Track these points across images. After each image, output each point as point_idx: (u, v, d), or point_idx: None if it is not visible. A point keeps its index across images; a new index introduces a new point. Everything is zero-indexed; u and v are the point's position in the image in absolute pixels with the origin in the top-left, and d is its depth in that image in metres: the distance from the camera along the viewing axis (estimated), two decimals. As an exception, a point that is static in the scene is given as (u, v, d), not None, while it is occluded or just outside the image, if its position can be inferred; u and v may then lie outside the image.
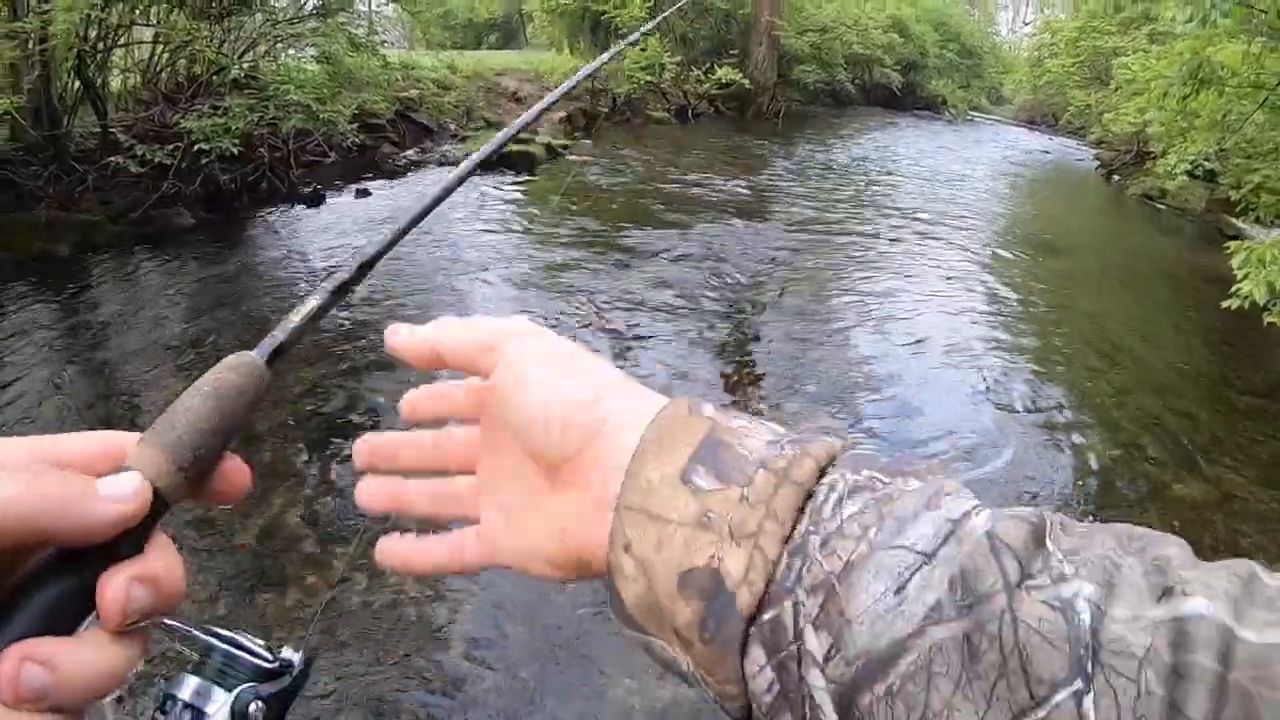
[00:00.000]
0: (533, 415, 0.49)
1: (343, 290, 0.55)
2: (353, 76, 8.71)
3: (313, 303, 0.53)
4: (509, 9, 28.21)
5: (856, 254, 8.63)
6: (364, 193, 8.96)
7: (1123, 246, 11.54)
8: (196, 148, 7.36)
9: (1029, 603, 0.36)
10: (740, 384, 5.54)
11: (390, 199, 8.94)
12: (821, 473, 0.42)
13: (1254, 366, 7.09)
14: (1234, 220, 12.72)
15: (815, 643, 0.38)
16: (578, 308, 6.31)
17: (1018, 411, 5.49)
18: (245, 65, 8.30)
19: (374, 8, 12.88)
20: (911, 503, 0.40)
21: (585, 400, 0.49)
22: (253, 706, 0.62)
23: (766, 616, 0.40)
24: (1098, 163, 21.01)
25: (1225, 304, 6.10)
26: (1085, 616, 0.35)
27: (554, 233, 8.23)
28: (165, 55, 8.47)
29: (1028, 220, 12.79)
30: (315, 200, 8.45)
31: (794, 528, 0.40)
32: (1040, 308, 7.79)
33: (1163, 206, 15.25)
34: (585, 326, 5.93)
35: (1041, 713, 0.34)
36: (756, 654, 0.40)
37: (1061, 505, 4.38)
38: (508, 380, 0.51)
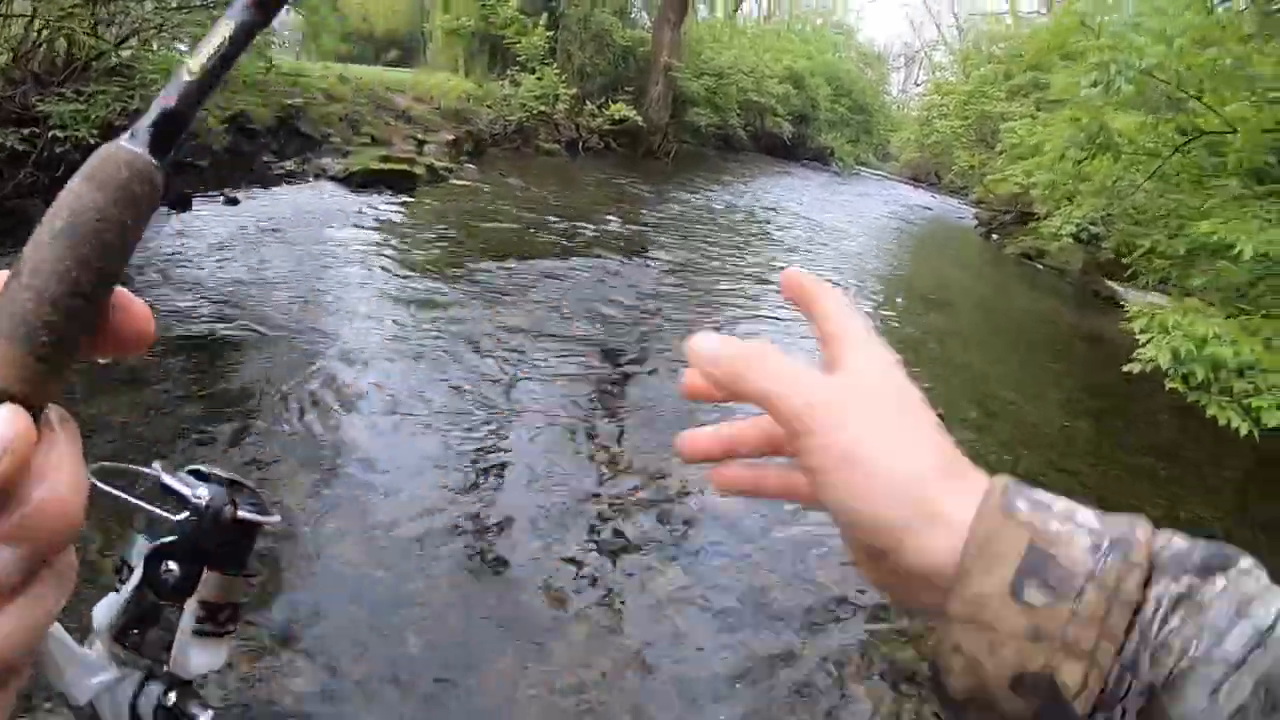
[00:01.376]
0: (855, 510, 0.49)
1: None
2: (229, 76, 8.35)
3: (221, 34, 0.39)
4: (411, 26, 27.82)
5: (736, 299, 8.66)
6: (233, 200, 8.64)
7: (1003, 304, 11.97)
8: (52, 134, 6.94)
9: None
10: (612, 425, 5.32)
11: (259, 209, 8.64)
12: (1145, 581, 0.43)
13: (1136, 425, 7.35)
14: (1110, 282, 13.24)
15: None
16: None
17: None
18: (124, 53, 7.93)
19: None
20: (1224, 613, 0.41)
21: (910, 489, 0.48)
22: (165, 565, 0.63)
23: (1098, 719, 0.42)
24: (977, 221, 21.74)
25: (1127, 368, 5.99)
26: None
27: (430, 258, 8.04)
28: (44, 33, 8.03)
29: (909, 274, 13.17)
30: (182, 204, 8.12)
31: (1124, 644, 0.42)
32: (923, 363, 7.89)
33: (1041, 266, 15.87)
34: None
35: None
36: None
37: None
38: (827, 465, 0.49)
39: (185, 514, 0.65)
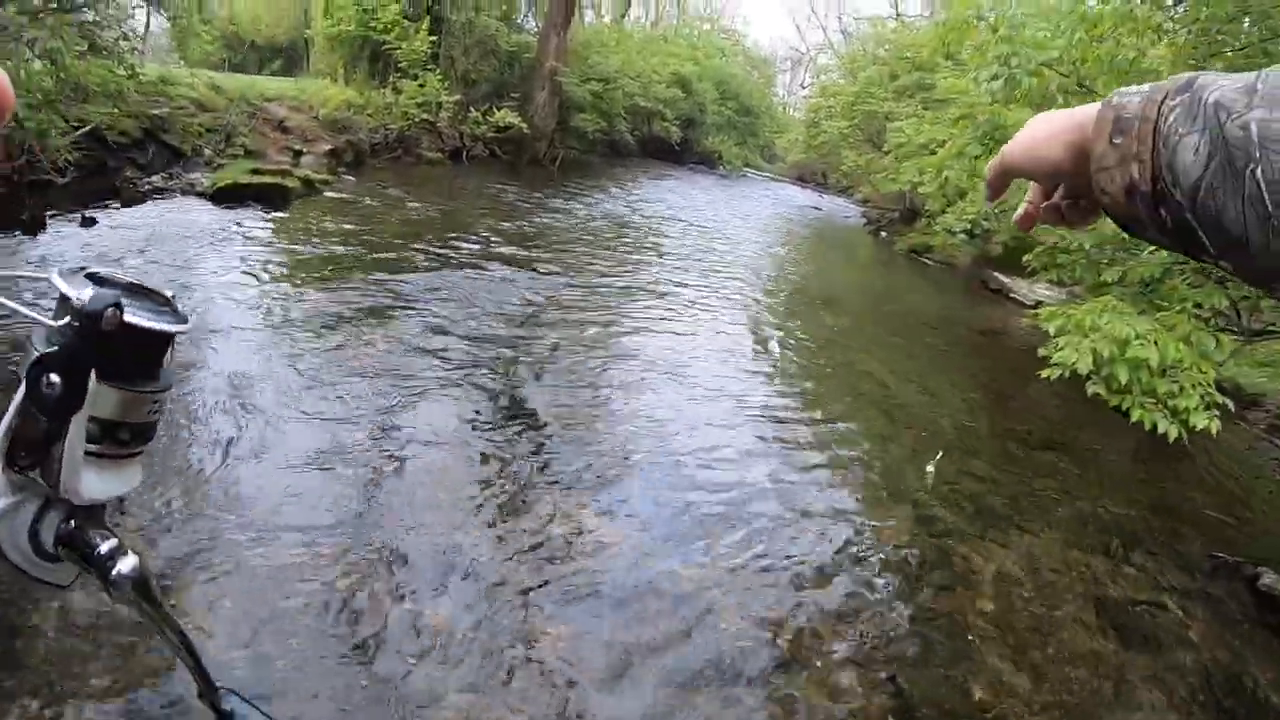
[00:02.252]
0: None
1: None
2: (79, 83, 7.83)
3: None
4: (294, 34, 27.21)
5: (626, 307, 8.61)
6: (90, 221, 8.22)
7: (896, 300, 12.20)
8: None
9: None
10: (506, 439, 5.15)
11: (117, 230, 8.27)
12: (1161, 104, 0.68)
13: (1034, 418, 7.53)
14: (998, 275, 13.68)
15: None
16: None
17: (802, 483, 5.28)
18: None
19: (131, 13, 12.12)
20: (1192, 104, 0.66)
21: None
22: (46, 378, 0.60)
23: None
24: (866, 220, 22.19)
25: (1045, 374, 5.71)
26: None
27: (302, 277, 7.78)
28: None
29: (801, 274, 13.33)
30: (34, 226, 7.73)
31: (1155, 146, 0.67)
32: (820, 365, 7.93)
33: (929, 262, 16.30)
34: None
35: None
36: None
37: (860, 589, 4.29)
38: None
39: (66, 319, 0.61)
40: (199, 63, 20.49)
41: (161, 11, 11.34)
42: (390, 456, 4.69)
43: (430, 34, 18.35)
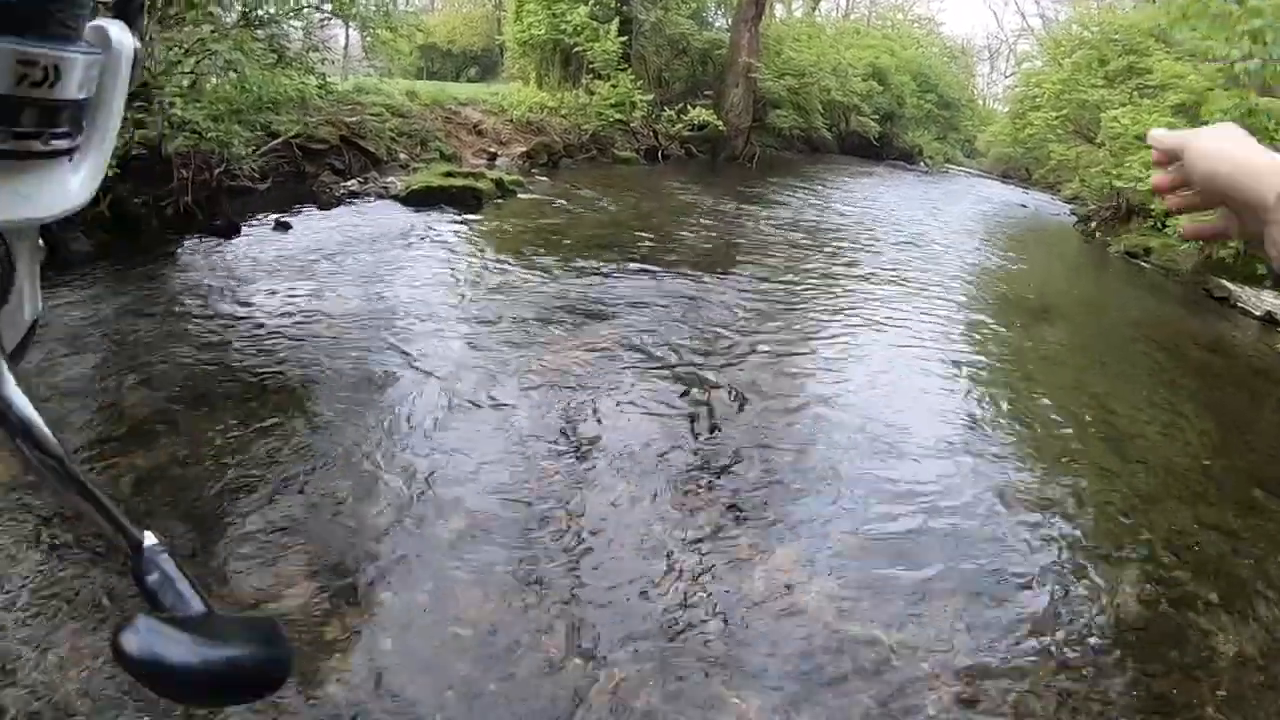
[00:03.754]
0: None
1: None
2: (261, 95, 7.73)
3: None
4: (488, 42, 27.77)
5: (826, 316, 7.79)
6: (284, 225, 8.09)
7: (1115, 309, 10.84)
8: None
9: None
10: (705, 448, 4.67)
11: (311, 233, 8.11)
12: None
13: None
14: (1225, 282, 12.29)
15: None
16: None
17: (1018, 530, 4.39)
18: (186, 78, 7.45)
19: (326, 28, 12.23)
20: None
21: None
22: None
23: None
24: (1076, 218, 20.73)
25: None
26: None
27: (497, 279, 7.43)
28: None
29: (1011, 279, 12.10)
30: (230, 231, 7.60)
31: None
32: (1036, 387, 6.90)
33: (1147, 265, 14.87)
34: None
35: None
36: None
37: (1082, 663, 3.49)
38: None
39: None
40: (400, 73, 20.98)
41: (355, 26, 11.23)
42: (575, 483, 4.26)
43: (620, 34, 18.11)
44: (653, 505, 4.13)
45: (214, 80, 7.47)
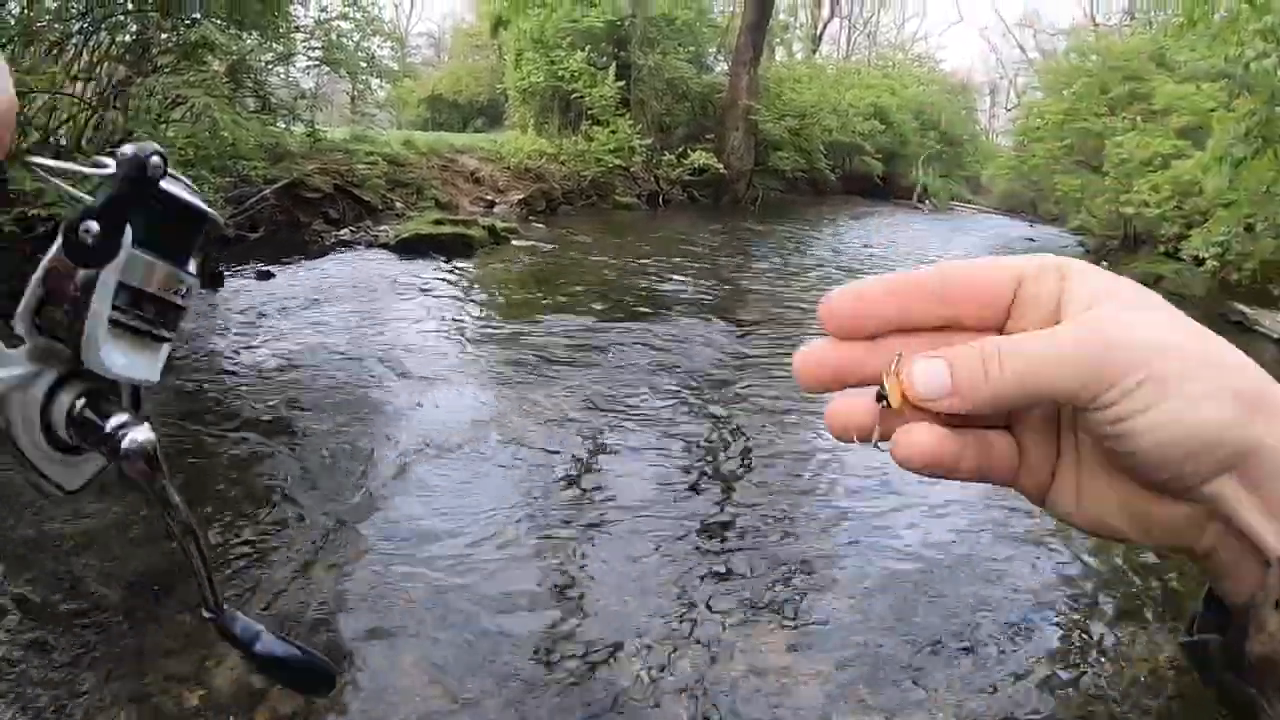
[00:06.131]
0: (1156, 447, 0.40)
1: None
2: (236, 142, 7.54)
3: None
4: (493, 93, 27.99)
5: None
6: (266, 275, 7.98)
7: None
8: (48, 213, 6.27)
9: None
10: (687, 532, 4.32)
11: (293, 283, 7.99)
12: None
13: None
14: (1241, 306, 12.10)
15: None
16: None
17: (1037, 595, 4.04)
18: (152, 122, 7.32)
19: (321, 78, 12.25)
20: None
21: (1227, 422, 0.40)
22: (84, 225, 0.58)
23: None
24: (1084, 249, 20.60)
25: None
26: None
27: (481, 327, 7.32)
28: (79, 115, 7.52)
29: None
30: (213, 281, 7.52)
31: None
32: None
33: (1159, 293, 14.69)
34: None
35: None
36: None
37: None
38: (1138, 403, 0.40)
39: (109, 169, 0.59)
40: (406, 125, 21.08)
41: (344, 74, 11.17)
42: (556, 542, 4.10)
43: (618, 79, 18.15)
44: (635, 566, 3.93)
45: (187, 126, 7.36)
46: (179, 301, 0.67)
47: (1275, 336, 10.95)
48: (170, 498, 0.67)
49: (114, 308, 0.62)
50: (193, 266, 0.68)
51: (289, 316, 7.04)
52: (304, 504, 4.14)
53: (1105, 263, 17.88)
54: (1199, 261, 11.93)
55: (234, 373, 5.72)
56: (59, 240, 0.60)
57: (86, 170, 0.60)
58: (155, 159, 0.60)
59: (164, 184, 0.62)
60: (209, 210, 0.66)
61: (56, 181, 0.61)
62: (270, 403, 5.29)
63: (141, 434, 0.62)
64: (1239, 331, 11.74)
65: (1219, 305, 12.67)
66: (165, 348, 0.68)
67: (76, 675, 2.86)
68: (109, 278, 0.61)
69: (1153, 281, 14.91)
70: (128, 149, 0.59)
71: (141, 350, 0.65)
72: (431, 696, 2.98)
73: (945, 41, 71.43)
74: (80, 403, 0.62)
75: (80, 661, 2.92)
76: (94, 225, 0.59)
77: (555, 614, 3.53)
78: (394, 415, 5.28)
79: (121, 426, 0.62)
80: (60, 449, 0.63)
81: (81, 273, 0.60)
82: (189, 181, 0.66)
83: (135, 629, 3.13)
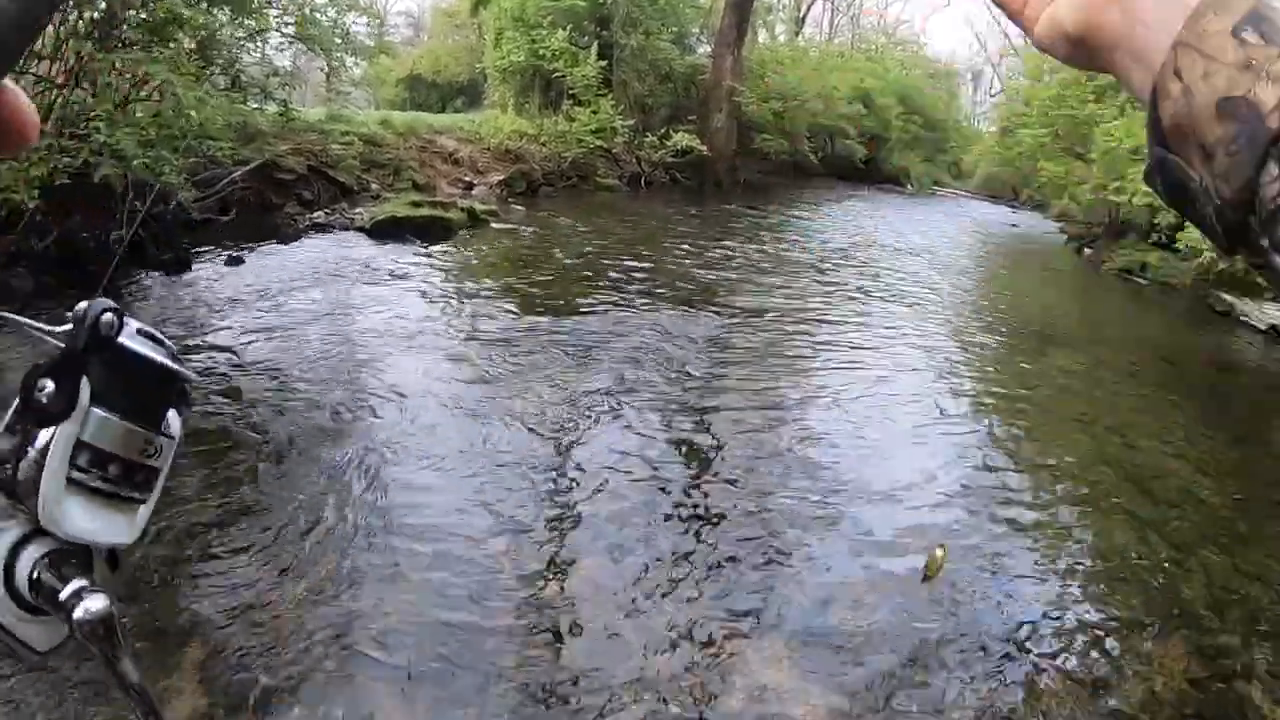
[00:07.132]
0: None
1: None
2: (202, 121, 7.23)
3: None
4: (473, 72, 27.65)
5: (814, 347, 7.33)
6: (236, 260, 7.68)
7: (1119, 332, 10.38)
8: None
9: None
10: (698, 486, 4.41)
11: (263, 269, 7.70)
12: None
13: None
14: (1226, 295, 12.02)
15: None
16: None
17: (1036, 592, 3.93)
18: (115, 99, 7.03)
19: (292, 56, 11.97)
20: None
21: None
22: (40, 383, 0.59)
23: None
24: (1067, 236, 20.51)
25: None
26: None
27: (453, 315, 7.10)
28: (46, 94, 7.20)
29: (1008, 302, 11.72)
30: (179, 266, 7.23)
31: None
32: (1049, 420, 6.46)
33: (1144, 282, 14.60)
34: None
35: None
36: (1272, 168, 0.47)
37: None
38: None
39: (67, 326, 0.61)
40: (384, 104, 20.75)
41: (319, 51, 10.86)
42: (534, 541, 3.96)
43: (600, 59, 17.90)
44: (618, 569, 3.77)
45: (149, 103, 7.06)
46: (150, 463, 0.65)
47: (1261, 327, 10.93)
48: (126, 674, 0.63)
49: (76, 468, 0.61)
50: (173, 423, 0.68)
51: (257, 304, 6.78)
52: (269, 495, 4.06)
53: (1089, 250, 17.82)
54: (1196, 252, 11.82)
55: (194, 365, 5.48)
56: (18, 399, 0.60)
57: (44, 331, 0.61)
58: (108, 316, 0.60)
59: (125, 341, 0.62)
60: (178, 368, 0.66)
61: (28, 323, 0.61)
62: (235, 398, 5.09)
63: (96, 603, 0.59)
64: (1225, 321, 11.66)
65: (1206, 294, 12.58)
66: (142, 509, 0.67)
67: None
68: (66, 436, 0.60)
69: (1138, 269, 14.85)
70: (81, 306, 0.59)
71: (110, 511, 0.63)
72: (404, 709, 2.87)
73: (930, 25, 71.27)
74: (44, 563, 0.60)
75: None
76: (49, 383, 0.59)
77: (534, 616, 3.39)
78: (365, 409, 5.09)
79: (75, 595, 0.59)
80: (27, 609, 0.61)
81: (40, 432, 0.60)
82: (160, 336, 0.66)
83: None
